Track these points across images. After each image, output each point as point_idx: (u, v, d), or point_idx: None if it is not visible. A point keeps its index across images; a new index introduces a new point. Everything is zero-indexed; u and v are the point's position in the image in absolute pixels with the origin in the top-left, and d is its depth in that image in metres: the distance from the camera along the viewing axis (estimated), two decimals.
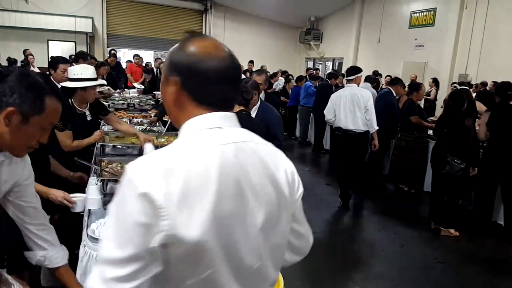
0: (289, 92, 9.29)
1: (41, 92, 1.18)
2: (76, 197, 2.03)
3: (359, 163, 4.86)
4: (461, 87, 4.37)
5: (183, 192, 0.77)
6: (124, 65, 10.04)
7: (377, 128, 4.58)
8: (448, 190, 4.02)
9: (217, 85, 0.88)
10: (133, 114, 4.64)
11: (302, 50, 16.91)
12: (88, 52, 11.71)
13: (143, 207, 0.75)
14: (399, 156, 5.40)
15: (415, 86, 5.38)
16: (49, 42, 12.67)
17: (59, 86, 2.82)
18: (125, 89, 7.11)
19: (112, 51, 9.72)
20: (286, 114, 8.66)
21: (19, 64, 8.66)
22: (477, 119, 4.25)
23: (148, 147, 2.80)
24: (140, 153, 2.85)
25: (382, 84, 8.63)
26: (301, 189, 1.00)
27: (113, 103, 5.22)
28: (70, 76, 2.81)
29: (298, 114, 8.71)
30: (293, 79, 9.73)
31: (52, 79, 3.14)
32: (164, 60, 1.11)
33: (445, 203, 4.07)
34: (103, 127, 3.58)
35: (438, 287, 3.18)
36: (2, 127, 1.14)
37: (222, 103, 0.89)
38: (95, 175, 2.24)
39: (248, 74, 10.95)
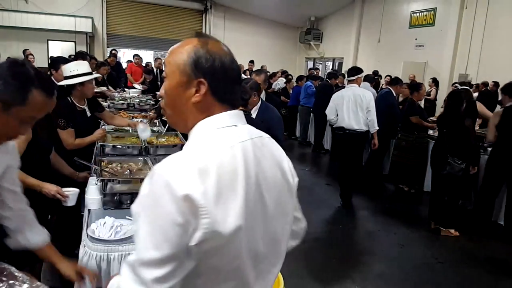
0: (290, 92, 9.30)
1: (27, 83, 1.14)
2: (69, 191, 2.06)
3: (359, 162, 4.91)
4: (462, 87, 4.35)
5: (217, 189, 0.80)
6: (124, 65, 10.04)
7: (377, 128, 4.64)
8: (448, 190, 4.02)
9: (235, 84, 0.93)
10: (133, 114, 4.63)
11: (302, 50, 16.90)
12: (88, 52, 11.71)
13: (183, 208, 0.77)
14: (399, 156, 5.40)
15: (415, 86, 5.37)
16: (49, 42, 12.67)
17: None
18: (125, 89, 7.11)
19: (113, 51, 9.71)
20: (286, 114, 8.65)
21: None
22: (477, 119, 4.25)
23: (141, 127, 2.93)
24: (140, 153, 2.84)
25: (382, 84, 8.64)
26: (296, 178, 1.07)
27: (113, 103, 5.21)
28: (66, 74, 2.82)
29: (298, 114, 8.71)
30: (293, 79, 9.73)
31: (54, 79, 3.15)
32: (164, 60, 1.08)
33: (445, 203, 4.07)
34: (103, 126, 3.58)
35: (438, 287, 3.18)
36: None
37: (237, 101, 0.95)
38: (95, 175, 2.24)
39: (248, 74, 10.96)
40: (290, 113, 8.88)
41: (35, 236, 1.51)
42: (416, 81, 8.83)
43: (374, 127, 4.61)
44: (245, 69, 11.53)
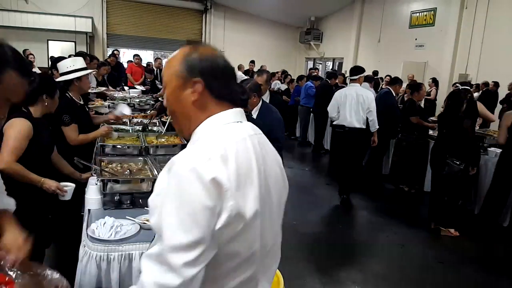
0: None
1: (3, 63, 1.10)
2: (66, 186, 2.19)
3: (360, 160, 5.02)
4: (462, 87, 4.34)
5: (237, 175, 0.86)
6: (124, 65, 10.03)
7: (378, 127, 4.80)
8: (447, 190, 4.01)
9: (230, 80, 1.00)
10: (133, 114, 4.63)
11: (302, 50, 16.90)
12: (88, 52, 11.71)
13: (211, 191, 0.82)
14: (400, 156, 5.40)
15: (416, 86, 5.37)
16: (49, 42, 12.68)
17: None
18: (125, 88, 7.11)
19: (115, 51, 9.68)
20: (286, 115, 8.65)
21: None
22: (478, 119, 4.23)
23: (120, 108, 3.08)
24: (141, 153, 2.84)
25: (382, 84, 8.63)
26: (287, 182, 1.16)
27: (113, 103, 5.21)
28: (62, 71, 2.88)
29: (298, 114, 8.71)
30: (294, 80, 9.74)
31: (55, 79, 3.18)
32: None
33: (446, 203, 4.06)
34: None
35: (438, 287, 3.18)
36: None
37: (236, 98, 1.01)
38: (95, 175, 2.24)
39: (249, 74, 10.95)
40: (290, 113, 8.88)
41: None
42: (416, 81, 8.85)
43: (375, 127, 4.79)
44: (245, 69, 11.53)
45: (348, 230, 4.25)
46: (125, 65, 9.96)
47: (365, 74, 5.33)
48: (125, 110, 3.41)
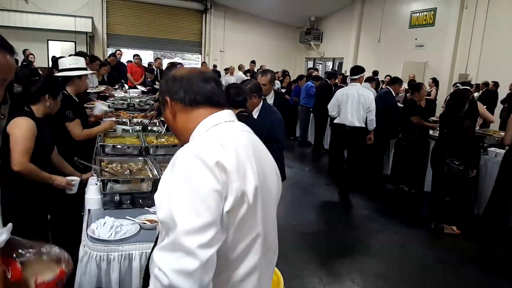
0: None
1: None
2: (73, 180, 2.29)
3: (357, 157, 5.15)
4: (463, 87, 4.33)
5: (237, 160, 0.94)
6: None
7: (375, 126, 4.96)
8: (447, 190, 4.01)
9: (205, 89, 1.08)
10: (133, 114, 4.63)
11: (302, 50, 16.90)
12: (88, 52, 11.71)
13: (217, 174, 0.89)
14: (400, 156, 5.40)
15: (416, 86, 5.36)
16: (49, 42, 12.68)
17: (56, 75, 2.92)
18: (124, 84, 7.11)
19: (118, 51, 9.66)
20: (288, 115, 8.65)
21: (19, 64, 8.66)
22: (478, 119, 4.22)
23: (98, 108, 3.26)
24: (141, 153, 2.84)
25: (383, 84, 8.63)
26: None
27: (113, 103, 5.21)
28: (65, 67, 2.90)
29: (298, 114, 8.70)
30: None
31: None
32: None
33: (449, 203, 4.05)
34: (105, 119, 3.64)
35: (438, 287, 3.18)
36: None
37: (216, 97, 1.09)
38: (95, 175, 2.24)
39: (249, 74, 10.95)
40: (290, 113, 8.87)
41: None
42: (415, 80, 8.85)
43: (373, 125, 4.93)
44: (246, 69, 11.53)
45: (348, 230, 4.25)
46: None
47: (365, 74, 5.36)
48: (103, 107, 3.54)
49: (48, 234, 2.46)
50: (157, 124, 4.00)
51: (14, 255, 1.16)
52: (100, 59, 6.65)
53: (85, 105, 3.65)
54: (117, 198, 2.10)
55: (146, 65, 9.73)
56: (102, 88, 5.49)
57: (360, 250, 3.77)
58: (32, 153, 2.15)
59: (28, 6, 12.21)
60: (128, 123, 3.94)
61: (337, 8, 14.48)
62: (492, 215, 4.07)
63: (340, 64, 14.69)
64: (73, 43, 12.92)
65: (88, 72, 3.02)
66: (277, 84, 9.73)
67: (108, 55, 11.26)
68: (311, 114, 8.16)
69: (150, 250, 1.34)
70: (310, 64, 15.83)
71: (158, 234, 1.12)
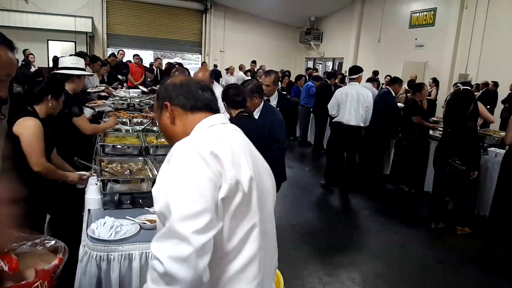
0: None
1: None
2: (84, 175, 2.38)
3: (354, 155, 5.25)
4: (463, 87, 4.32)
5: (231, 152, 0.98)
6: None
7: (368, 124, 5.08)
8: (449, 190, 4.00)
9: (202, 95, 1.15)
10: (133, 114, 4.63)
11: (302, 50, 16.90)
12: (88, 52, 11.71)
13: (211, 163, 0.92)
14: (400, 155, 5.40)
15: (417, 86, 5.36)
16: (49, 42, 12.68)
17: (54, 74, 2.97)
18: (123, 84, 7.12)
19: (121, 51, 9.65)
20: (289, 116, 8.64)
21: (19, 64, 8.66)
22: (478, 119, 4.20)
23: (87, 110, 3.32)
24: (141, 153, 2.84)
25: (382, 84, 8.64)
26: None
27: (113, 103, 5.20)
28: (66, 65, 2.93)
29: (298, 114, 8.69)
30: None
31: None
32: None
33: (454, 204, 4.06)
34: (105, 119, 3.66)
35: (438, 287, 3.18)
36: None
37: (212, 106, 1.15)
38: (95, 175, 2.24)
39: (249, 74, 10.95)
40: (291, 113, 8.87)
41: None
42: (415, 80, 8.84)
43: (367, 123, 5.07)
44: (247, 69, 11.52)
45: (348, 230, 4.25)
46: None
47: (365, 74, 5.40)
48: (92, 111, 3.68)
49: (44, 232, 2.46)
50: (157, 124, 4.00)
51: (6, 250, 1.17)
52: (101, 59, 6.66)
53: (86, 104, 3.66)
54: (117, 198, 2.10)
55: (148, 65, 9.72)
56: (102, 87, 5.48)
57: (360, 250, 3.77)
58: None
59: (28, 6, 12.21)
60: (128, 123, 3.94)
61: (337, 8, 14.48)
62: (497, 216, 4.06)
63: (340, 64, 14.69)
64: (73, 43, 12.92)
65: (88, 73, 3.06)
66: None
67: (108, 55, 11.24)
68: (311, 114, 8.16)
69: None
70: (310, 64, 15.82)
71: None
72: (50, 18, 12.15)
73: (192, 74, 5.31)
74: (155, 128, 3.78)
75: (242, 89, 2.66)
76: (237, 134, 1.10)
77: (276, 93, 3.73)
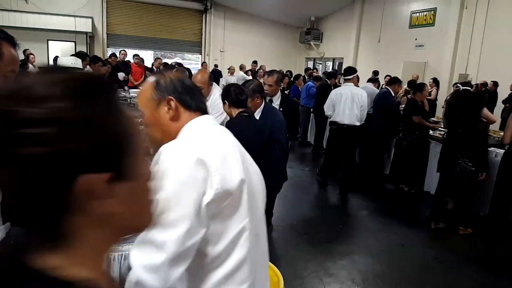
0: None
1: None
2: None
3: (352, 154, 5.29)
4: (463, 87, 4.31)
5: (220, 154, 0.97)
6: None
7: (363, 123, 5.17)
8: (456, 191, 3.97)
9: (197, 96, 1.15)
10: None
11: (302, 50, 16.90)
12: (88, 52, 11.71)
13: (196, 169, 0.90)
14: (400, 155, 5.40)
15: (418, 86, 5.36)
16: (49, 42, 12.67)
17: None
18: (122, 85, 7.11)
19: (122, 51, 9.64)
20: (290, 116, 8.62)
21: None
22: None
23: None
24: None
25: (382, 84, 8.64)
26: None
27: None
28: (65, 65, 2.90)
29: (298, 114, 8.68)
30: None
31: None
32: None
33: (459, 205, 4.06)
34: None
35: (438, 287, 3.18)
36: None
37: (204, 108, 1.15)
38: None
39: (249, 74, 10.94)
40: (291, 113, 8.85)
41: None
42: (415, 81, 8.82)
43: (362, 121, 5.16)
44: (247, 69, 11.51)
45: (348, 230, 4.25)
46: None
47: (365, 74, 5.41)
48: None
49: None
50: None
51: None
52: (102, 60, 6.66)
53: None
54: None
55: (150, 66, 9.72)
56: None
57: (360, 250, 3.77)
58: None
59: (28, 6, 12.21)
60: None
61: (337, 8, 14.48)
62: (496, 215, 4.07)
63: (340, 64, 14.68)
64: (73, 43, 12.92)
65: None
66: None
67: (108, 55, 11.24)
68: (311, 114, 8.16)
69: None
70: (310, 64, 15.83)
71: None
72: (50, 18, 12.15)
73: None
74: None
75: (244, 89, 2.67)
76: (227, 136, 1.10)
77: (279, 93, 3.73)
